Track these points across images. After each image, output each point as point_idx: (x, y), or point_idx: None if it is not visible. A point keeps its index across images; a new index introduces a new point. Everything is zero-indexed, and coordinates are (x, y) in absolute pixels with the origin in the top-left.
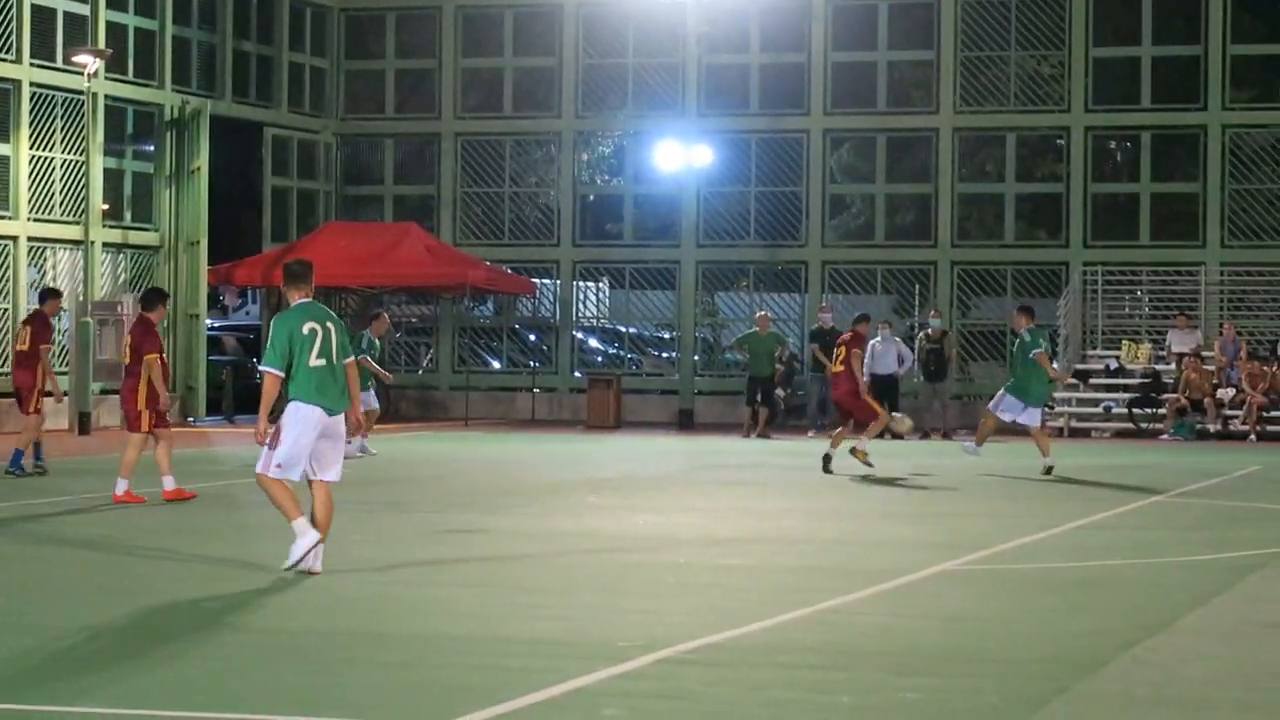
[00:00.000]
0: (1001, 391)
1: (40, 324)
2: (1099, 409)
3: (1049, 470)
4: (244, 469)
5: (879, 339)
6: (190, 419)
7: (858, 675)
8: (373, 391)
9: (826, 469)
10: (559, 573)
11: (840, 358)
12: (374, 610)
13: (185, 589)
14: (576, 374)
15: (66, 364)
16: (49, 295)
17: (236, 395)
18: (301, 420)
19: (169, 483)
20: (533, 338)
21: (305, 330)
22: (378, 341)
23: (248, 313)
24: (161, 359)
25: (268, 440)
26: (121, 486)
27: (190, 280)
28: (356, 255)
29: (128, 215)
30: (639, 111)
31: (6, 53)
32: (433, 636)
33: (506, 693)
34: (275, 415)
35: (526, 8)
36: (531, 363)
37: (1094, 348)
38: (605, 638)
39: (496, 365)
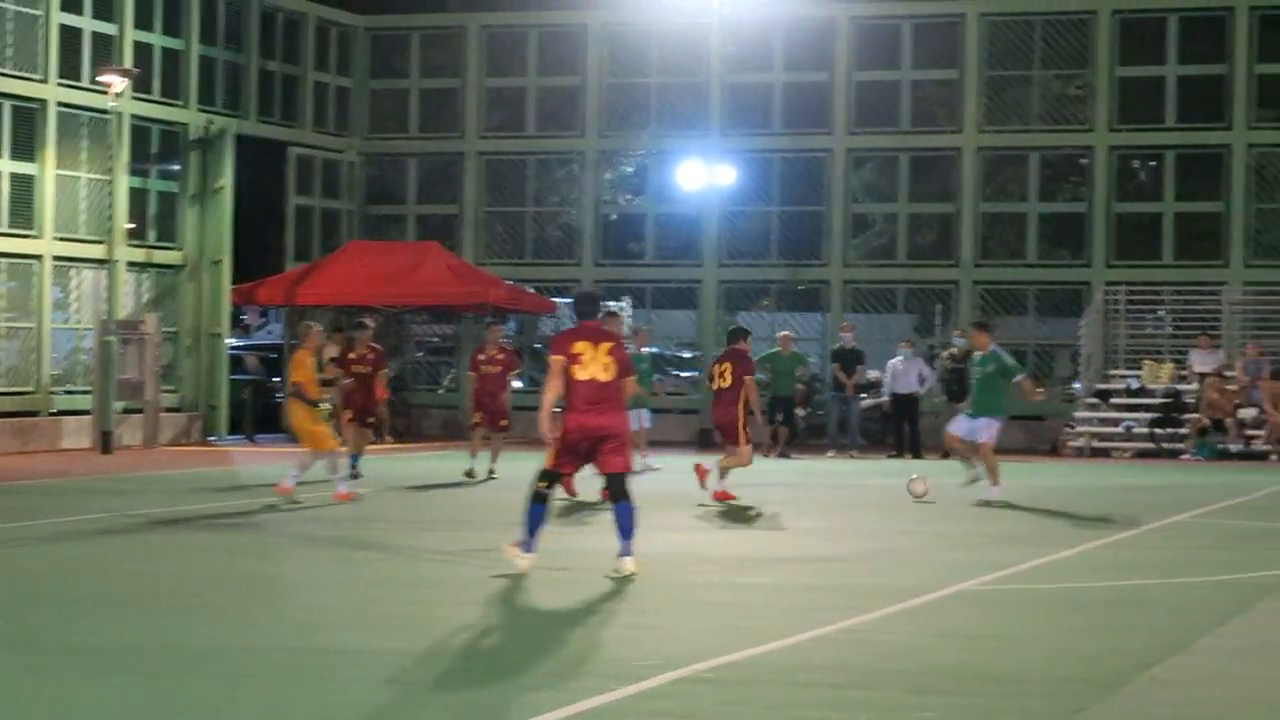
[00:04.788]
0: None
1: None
2: (1120, 429)
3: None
4: (266, 489)
5: (900, 358)
6: (212, 438)
7: (877, 694)
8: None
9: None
10: (577, 591)
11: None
12: (396, 629)
13: (203, 605)
14: None
15: (90, 383)
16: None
17: (258, 414)
18: None
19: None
20: None
21: None
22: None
23: (270, 331)
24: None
25: None
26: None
27: (213, 299)
28: (379, 274)
29: (151, 234)
30: (662, 131)
31: (33, 72)
32: (449, 654)
33: (524, 712)
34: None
35: (551, 27)
36: None
37: (1116, 367)
38: (623, 656)
39: (518, 385)
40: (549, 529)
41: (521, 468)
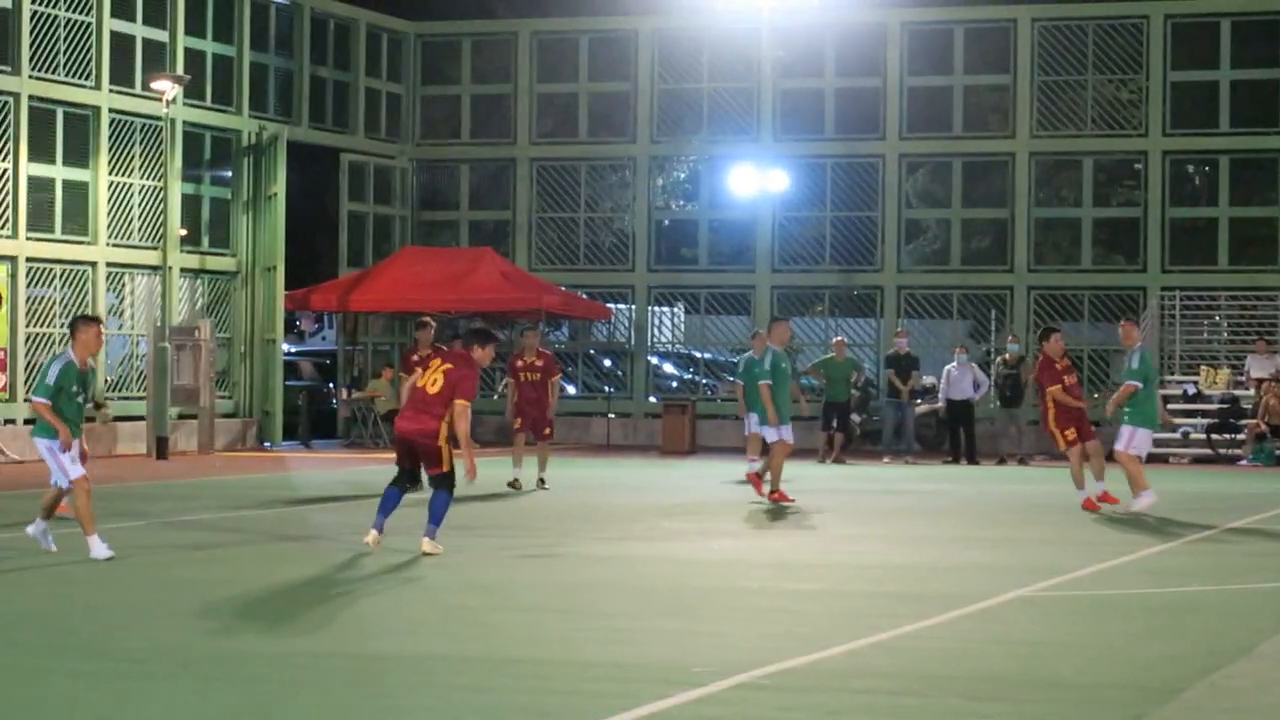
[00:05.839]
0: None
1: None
2: (1177, 435)
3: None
4: (319, 494)
5: (955, 364)
6: (266, 444)
7: (933, 701)
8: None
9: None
10: (634, 597)
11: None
12: (446, 633)
13: (257, 611)
14: (651, 399)
15: (144, 389)
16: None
17: (312, 420)
18: None
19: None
20: (608, 363)
21: None
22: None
23: (324, 338)
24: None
25: None
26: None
27: (267, 305)
28: (432, 280)
29: (205, 240)
30: (714, 136)
31: (86, 79)
32: (507, 660)
33: (581, 717)
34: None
35: (601, 33)
36: (606, 388)
37: (1172, 373)
38: (681, 662)
39: (572, 390)
40: (599, 534)
41: (566, 474)
